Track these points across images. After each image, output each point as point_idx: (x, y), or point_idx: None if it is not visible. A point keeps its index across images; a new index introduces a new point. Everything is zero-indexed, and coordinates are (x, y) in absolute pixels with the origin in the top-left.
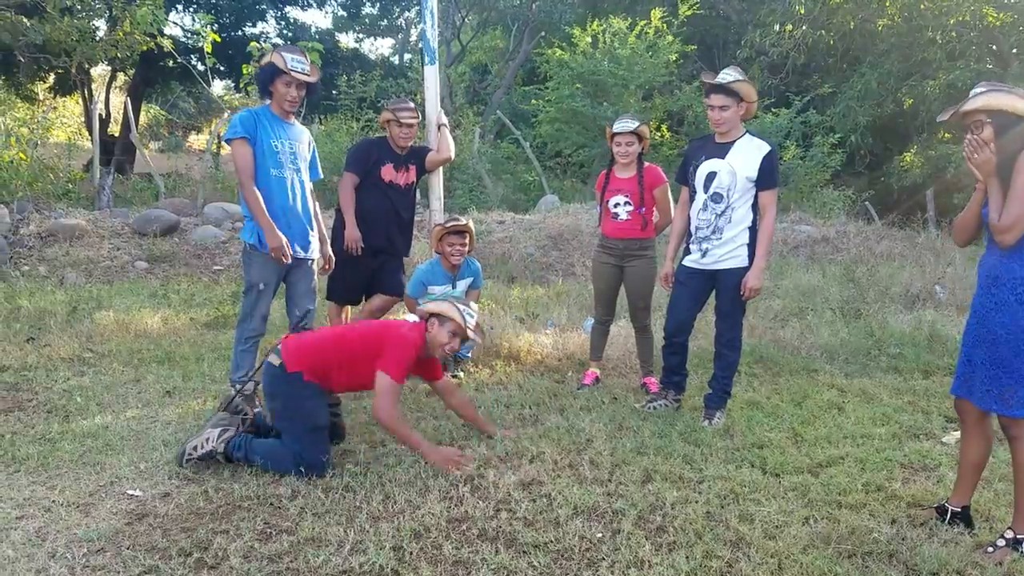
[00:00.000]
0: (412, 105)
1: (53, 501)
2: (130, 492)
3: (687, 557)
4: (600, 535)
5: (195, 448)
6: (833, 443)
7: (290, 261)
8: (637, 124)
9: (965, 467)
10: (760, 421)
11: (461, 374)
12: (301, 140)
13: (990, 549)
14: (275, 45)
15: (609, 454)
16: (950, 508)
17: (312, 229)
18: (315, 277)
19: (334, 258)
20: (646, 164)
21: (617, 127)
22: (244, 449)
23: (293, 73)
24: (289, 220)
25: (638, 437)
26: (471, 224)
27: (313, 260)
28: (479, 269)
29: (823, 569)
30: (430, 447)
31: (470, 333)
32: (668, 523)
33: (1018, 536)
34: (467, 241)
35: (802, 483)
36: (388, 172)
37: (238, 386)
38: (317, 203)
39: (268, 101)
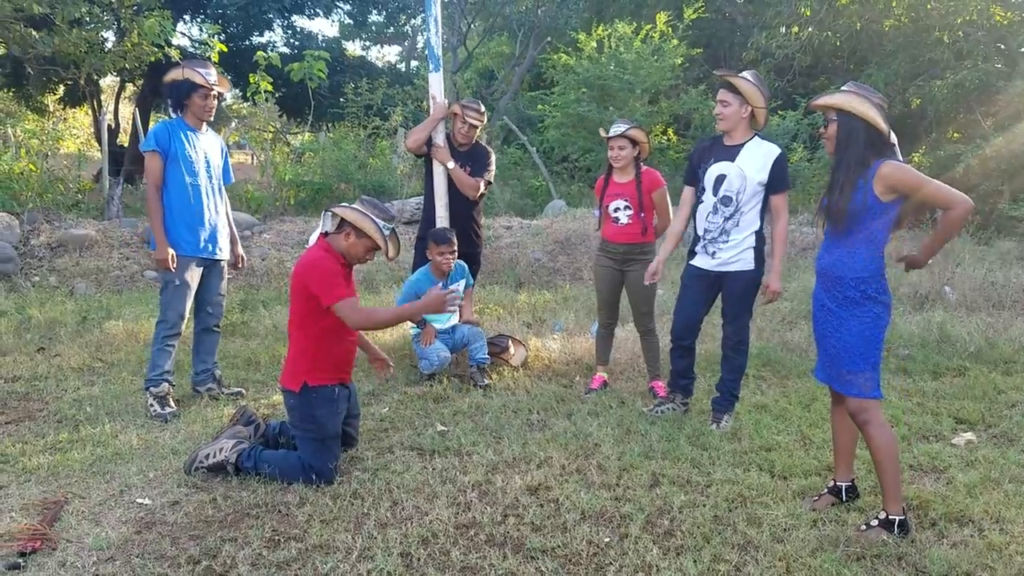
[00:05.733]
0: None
1: (63, 510)
2: (139, 501)
3: (695, 561)
4: (608, 540)
5: (207, 456)
6: None
7: (175, 268)
8: (627, 127)
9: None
10: (768, 424)
11: (487, 382)
12: (214, 147)
13: (863, 528)
14: (179, 61)
15: (617, 458)
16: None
17: (224, 231)
18: (226, 277)
19: (245, 258)
20: (644, 168)
21: (608, 131)
22: (254, 459)
23: (214, 87)
24: (204, 224)
25: (646, 441)
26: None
27: (225, 261)
28: (464, 267)
29: (832, 572)
30: (418, 304)
31: (385, 248)
32: (676, 527)
33: (890, 516)
34: (455, 249)
35: (810, 486)
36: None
37: (152, 388)
38: (229, 204)
39: (179, 114)
